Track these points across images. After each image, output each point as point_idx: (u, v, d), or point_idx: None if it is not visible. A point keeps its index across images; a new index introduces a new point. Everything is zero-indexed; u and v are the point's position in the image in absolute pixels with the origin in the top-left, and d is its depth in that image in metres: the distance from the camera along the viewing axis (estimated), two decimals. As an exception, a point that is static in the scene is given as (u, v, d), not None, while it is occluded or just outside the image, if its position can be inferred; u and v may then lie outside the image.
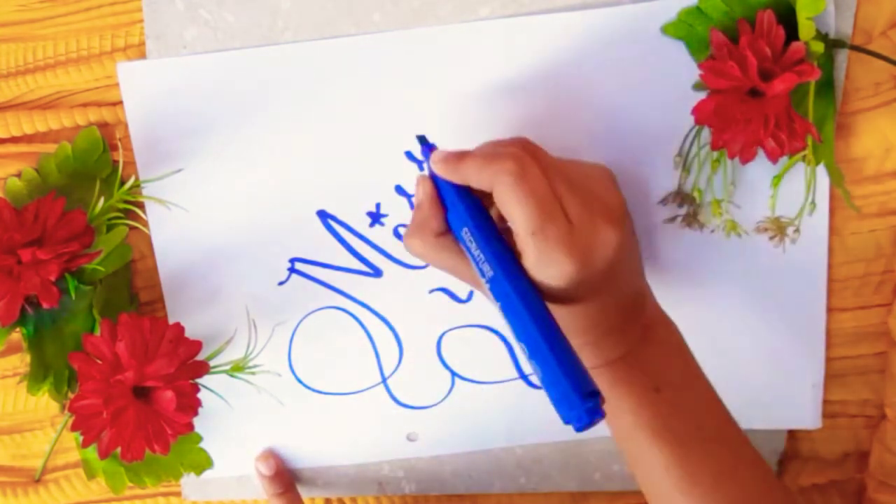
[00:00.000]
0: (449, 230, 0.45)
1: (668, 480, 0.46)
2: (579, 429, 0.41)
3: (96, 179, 0.52)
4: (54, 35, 0.52)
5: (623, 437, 0.47)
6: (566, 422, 0.41)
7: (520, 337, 0.42)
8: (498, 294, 0.43)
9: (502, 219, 0.45)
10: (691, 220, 0.50)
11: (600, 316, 0.45)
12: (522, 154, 0.43)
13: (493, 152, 0.43)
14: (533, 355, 0.42)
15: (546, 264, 0.42)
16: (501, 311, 0.43)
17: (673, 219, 0.51)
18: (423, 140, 0.47)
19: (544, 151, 0.45)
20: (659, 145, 0.50)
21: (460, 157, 0.44)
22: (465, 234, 0.44)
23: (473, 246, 0.44)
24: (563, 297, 0.43)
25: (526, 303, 0.42)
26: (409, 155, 0.52)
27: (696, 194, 0.49)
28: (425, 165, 0.46)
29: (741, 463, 0.46)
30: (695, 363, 0.48)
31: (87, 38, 0.52)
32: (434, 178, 0.45)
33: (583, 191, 0.43)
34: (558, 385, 0.41)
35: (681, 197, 0.50)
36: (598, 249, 0.42)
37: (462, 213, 0.44)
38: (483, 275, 0.43)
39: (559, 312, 0.43)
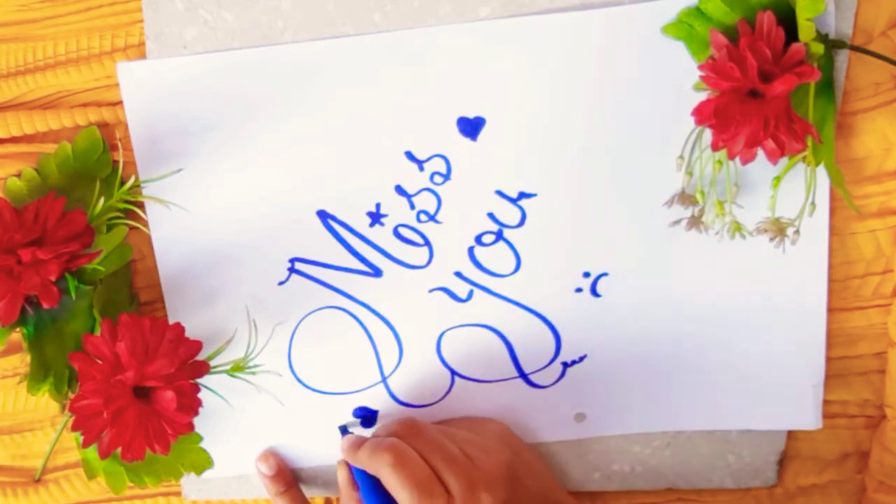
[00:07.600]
0: None
1: None
2: None
3: (96, 179, 0.52)
4: (54, 35, 0.52)
5: None
6: None
7: None
8: None
9: None
10: (696, 222, 0.50)
11: None
12: (397, 443, 0.48)
13: (376, 443, 0.49)
14: None
15: None
16: None
17: (678, 222, 0.51)
18: (342, 428, 0.54)
19: (426, 428, 0.50)
20: (660, 146, 0.50)
21: (356, 446, 0.50)
22: None
23: None
24: None
25: None
26: (409, 155, 0.52)
27: (698, 196, 0.49)
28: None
29: None
30: None
31: (87, 38, 0.52)
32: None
33: (462, 461, 0.48)
34: None
35: (685, 199, 0.50)
36: None
37: (370, 493, 0.50)
38: None
39: None
